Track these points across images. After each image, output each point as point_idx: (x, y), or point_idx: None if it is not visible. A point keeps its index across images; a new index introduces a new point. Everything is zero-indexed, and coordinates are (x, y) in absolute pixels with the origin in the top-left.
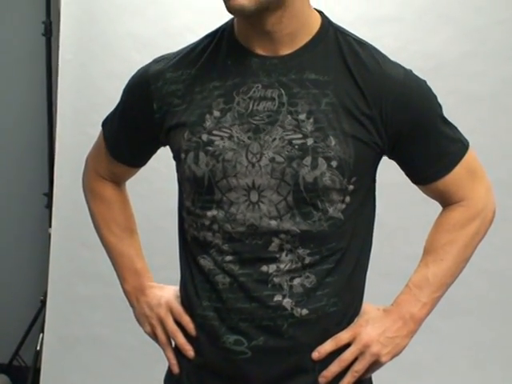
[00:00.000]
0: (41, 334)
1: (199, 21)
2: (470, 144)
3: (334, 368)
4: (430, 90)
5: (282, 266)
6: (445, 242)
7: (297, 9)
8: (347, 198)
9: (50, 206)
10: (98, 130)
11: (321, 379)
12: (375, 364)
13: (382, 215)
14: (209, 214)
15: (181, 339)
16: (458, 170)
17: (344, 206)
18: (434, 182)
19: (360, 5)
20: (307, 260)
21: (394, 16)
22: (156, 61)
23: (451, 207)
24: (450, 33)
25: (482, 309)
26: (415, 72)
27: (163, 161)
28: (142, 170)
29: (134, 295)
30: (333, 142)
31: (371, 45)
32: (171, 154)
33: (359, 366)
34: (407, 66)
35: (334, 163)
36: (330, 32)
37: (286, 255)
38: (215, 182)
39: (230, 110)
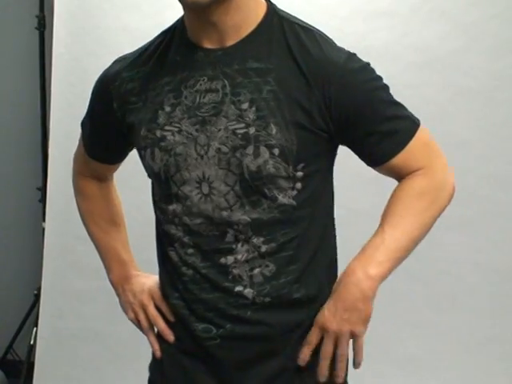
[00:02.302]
0: (35, 328)
1: None
2: (463, 142)
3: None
4: (373, 71)
5: (239, 256)
6: (401, 208)
7: (242, 0)
8: (298, 184)
9: (43, 200)
10: None
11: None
12: (354, 338)
13: (375, 209)
14: (170, 207)
15: (161, 325)
16: (412, 147)
17: (295, 192)
18: (388, 161)
19: None
20: (263, 248)
21: (388, 10)
22: (116, 61)
23: (409, 177)
24: (444, 27)
25: (477, 303)
26: (410, 66)
27: None
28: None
29: (120, 284)
30: (274, 130)
31: (317, 30)
32: None
33: (341, 351)
34: (401, 60)
35: (275, 151)
36: (274, 20)
37: (242, 245)
38: (170, 177)
39: (180, 105)
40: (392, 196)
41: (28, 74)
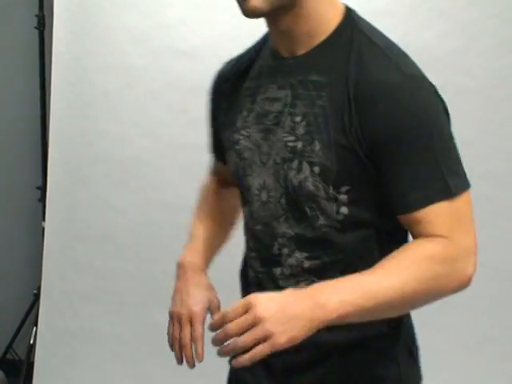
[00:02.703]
0: (34, 328)
1: (193, 14)
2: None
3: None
4: (432, 107)
5: (284, 269)
6: (403, 265)
7: (312, 7)
8: (343, 209)
9: (43, 199)
10: (90, 122)
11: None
12: (267, 341)
13: None
14: (244, 209)
15: (199, 348)
16: (437, 210)
17: (341, 217)
18: (408, 213)
19: None
20: (306, 264)
21: (387, 9)
22: (226, 62)
23: (425, 238)
24: (443, 27)
25: (477, 303)
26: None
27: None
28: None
29: (182, 270)
30: (317, 147)
31: (387, 46)
32: (164, 148)
33: (246, 338)
34: None
35: (316, 169)
36: (346, 31)
37: (285, 260)
38: (240, 180)
39: (253, 111)
40: (402, 248)
41: (28, 73)
